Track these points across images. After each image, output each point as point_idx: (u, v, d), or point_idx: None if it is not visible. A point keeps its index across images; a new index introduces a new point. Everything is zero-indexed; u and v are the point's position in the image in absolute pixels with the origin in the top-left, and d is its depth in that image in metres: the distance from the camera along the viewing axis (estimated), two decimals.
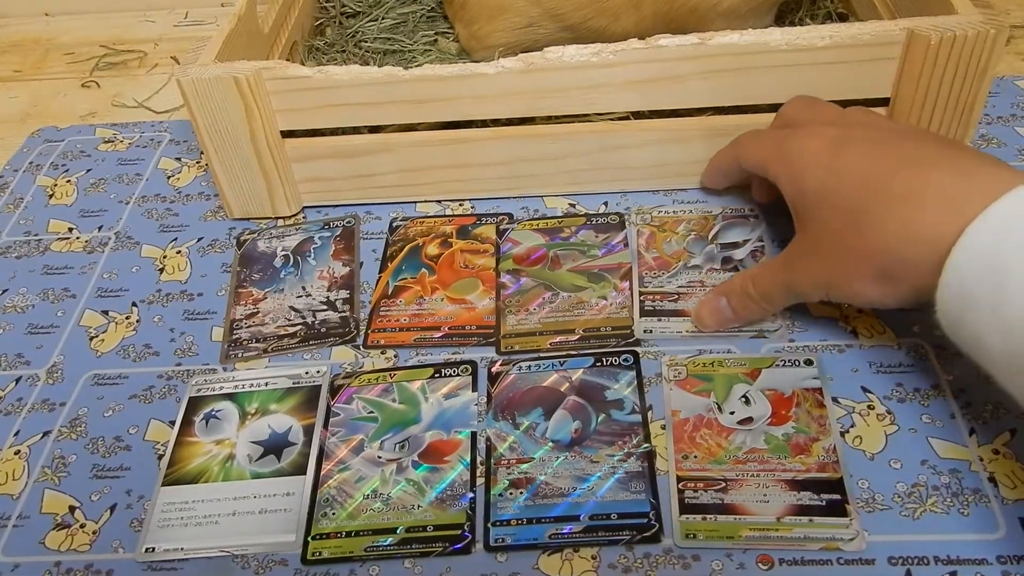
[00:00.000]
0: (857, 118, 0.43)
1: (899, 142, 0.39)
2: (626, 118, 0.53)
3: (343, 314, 0.50)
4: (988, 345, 0.33)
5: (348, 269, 0.53)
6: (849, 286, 0.39)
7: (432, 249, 0.53)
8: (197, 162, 0.63)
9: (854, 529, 0.37)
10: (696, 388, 0.43)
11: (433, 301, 0.50)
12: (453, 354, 0.47)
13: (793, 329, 0.46)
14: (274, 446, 0.44)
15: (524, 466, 0.41)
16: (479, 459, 0.42)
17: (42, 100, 0.74)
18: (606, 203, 0.55)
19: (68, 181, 0.63)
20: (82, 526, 0.41)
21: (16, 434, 0.46)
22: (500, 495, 0.40)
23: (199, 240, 0.56)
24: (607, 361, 0.45)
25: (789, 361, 0.44)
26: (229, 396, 0.46)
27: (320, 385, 0.46)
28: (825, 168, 0.39)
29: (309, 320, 0.50)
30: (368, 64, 0.62)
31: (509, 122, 0.53)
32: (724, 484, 0.39)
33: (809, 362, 0.44)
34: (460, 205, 0.56)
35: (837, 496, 0.38)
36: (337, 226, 0.56)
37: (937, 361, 0.44)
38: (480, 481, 0.41)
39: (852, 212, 0.38)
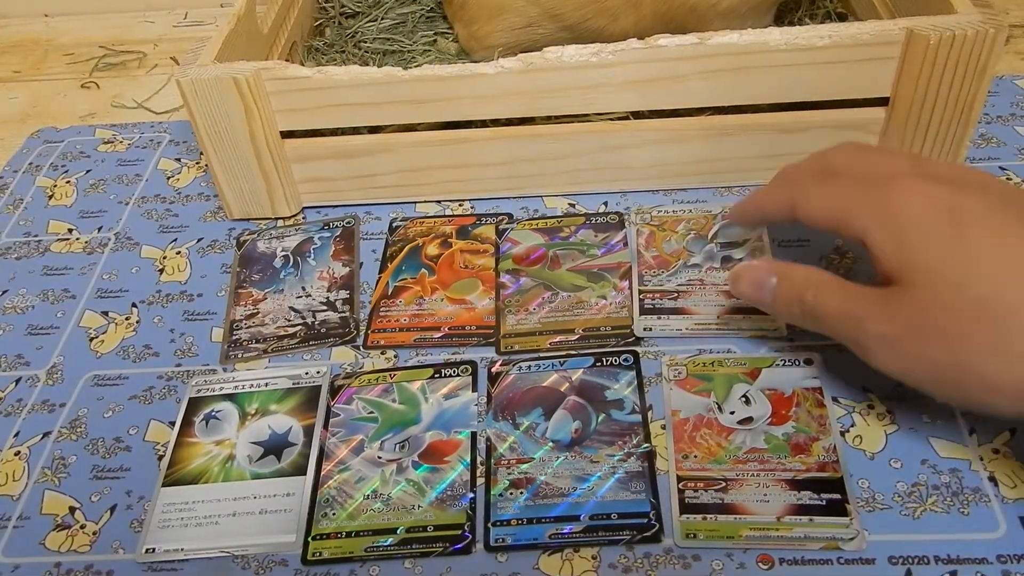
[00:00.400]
0: (952, 173, 0.37)
1: None
2: (626, 118, 0.53)
3: (343, 314, 0.50)
4: None
5: (348, 269, 0.53)
6: (978, 389, 0.34)
7: (432, 249, 0.53)
8: (197, 163, 0.63)
9: (854, 528, 0.37)
10: (696, 388, 0.43)
11: (433, 301, 0.50)
12: (453, 354, 0.47)
13: (793, 329, 0.46)
14: (274, 446, 0.44)
15: (524, 466, 0.41)
16: (479, 459, 0.42)
17: (42, 101, 0.74)
18: (606, 203, 0.55)
19: (68, 182, 0.63)
20: (82, 527, 0.41)
21: (16, 435, 0.46)
22: (500, 495, 0.40)
23: (199, 241, 0.56)
24: (607, 361, 0.45)
25: (789, 361, 0.44)
26: (229, 397, 0.46)
27: (320, 385, 0.46)
28: (946, 243, 0.34)
29: (309, 320, 0.50)
30: (367, 64, 0.62)
31: (509, 122, 0.53)
32: (724, 484, 0.39)
33: (809, 362, 0.44)
34: (460, 205, 0.56)
35: (837, 496, 0.38)
36: (337, 226, 0.56)
37: None
38: (480, 481, 0.41)
39: (990, 306, 0.33)
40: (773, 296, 0.40)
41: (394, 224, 0.55)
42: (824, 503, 0.38)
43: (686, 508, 0.39)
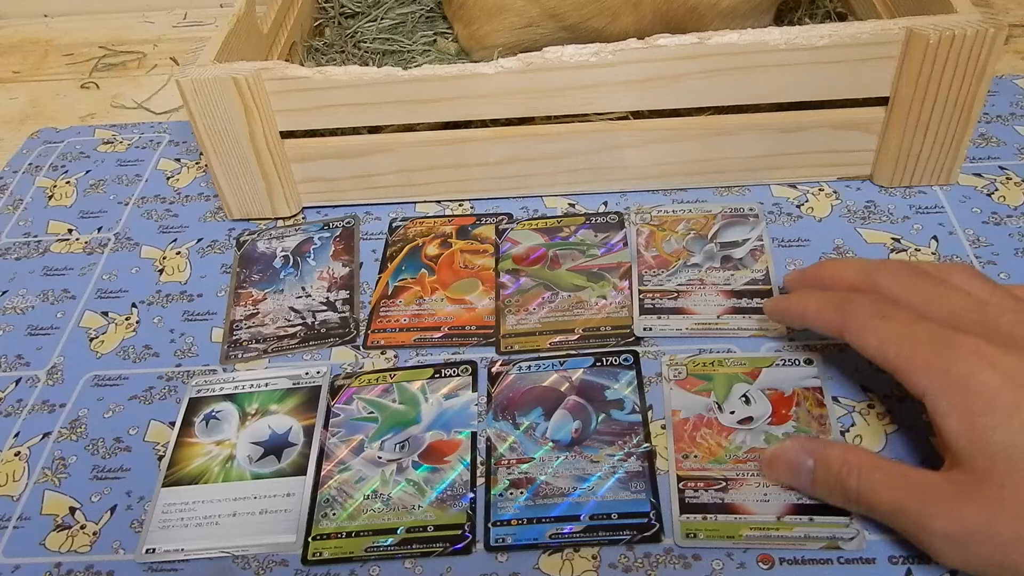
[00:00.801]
0: (1014, 329, 0.34)
1: None
2: (625, 118, 0.53)
3: (343, 315, 0.50)
4: None
5: (348, 270, 0.53)
6: None
7: (432, 249, 0.53)
8: (196, 163, 0.63)
9: (854, 528, 0.37)
10: (696, 388, 0.43)
11: (433, 301, 0.50)
12: (453, 354, 0.47)
13: (793, 329, 0.46)
14: (274, 447, 0.44)
15: (524, 466, 0.41)
16: (479, 459, 0.42)
17: (41, 101, 0.74)
18: (605, 203, 0.55)
19: (67, 182, 0.63)
20: (82, 527, 0.41)
21: (16, 435, 0.46)
22: (500, 495, 0.40)
23: (199, 241, 0.56)
24: (607, 361, 0.45)
25: (789, 360, 0.44)
26: (229, 397, 0.46)
27: (320, 386, 0.46)
28: (1021, 424, 0.32)
29: (309, 321, 0.50)
30: (367, 64, 0.62)
31: (508, 122, 0.53)
32: (724, 483, 0.39)
33: (809, 361, 0.44)
34: (460, 205, 0.56)
35: None
36: (337, 226, 0.56)
37: None
38: (480, 481, 0.41)
39: None
40: (811, 481, 0.37)
41: (394, 224, 0.55)
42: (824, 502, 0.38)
43: (686, 508, 0.39)
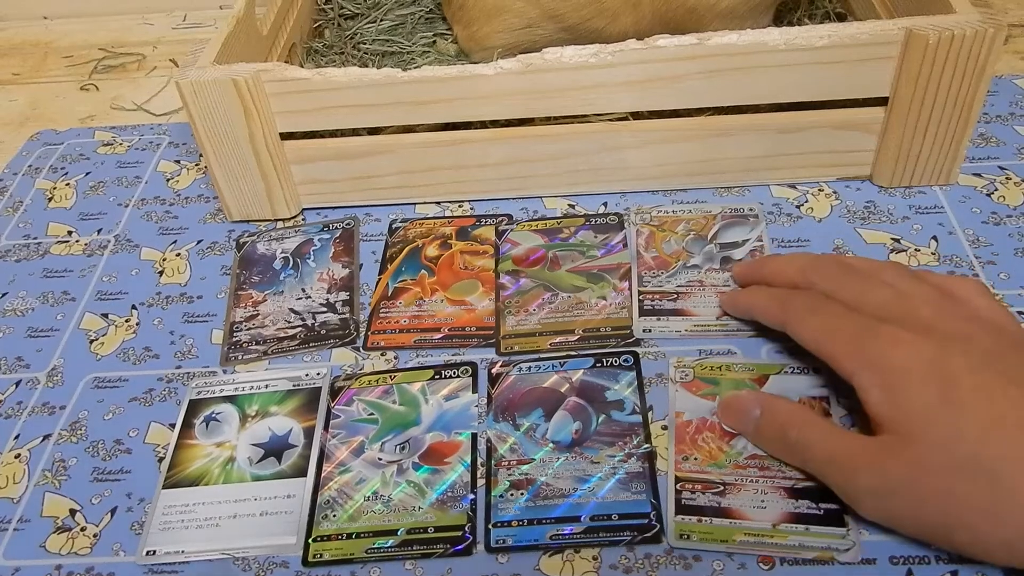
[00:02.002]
0: (936, 319, 0.38)
1: (1011, 379, 0.35)
2: (625, 118, 0.53)
3: (343, 316, 0.50)
4: None
5: (348, 271, 0.53)
6: (967, 543, 0.34)
7: (432, 250, 0.53)
8: (196, 164, 0.63)
9: (850, 540, 0.37)
10: (702, 391, 0.43)
11: (433, 302, 0.50)
12: (453, 355, 0.47)
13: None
14: (275, 448, 0.44)
15: (525, 467, 0.41)
16: (480, 460, 0.42)
17: (41, 103, 0.74)
18: (605, 203, 0.55)
19: (67, 184, 0.63)
20: (83, 529, 0.41)
21: (16, 437, 0.46)
22: (501, 496, 0.40)
23: (198, 242, 0.56)
24: (607, 362, 0.45)
25: (797, 368, 0.44)
26: (229, 398, 0.46)
27: (320, 387, 0.46)
28: (935, 401, 0.35)
29: (309, 322, 0.50)
30: (367, 66, 0.62)
31: (508, 123, 0.53)
32: (722, 487, 0.39)
33: (816, 370, 0.44)
34: (459, 206, 0.56)
35: (835, 505, 0.38)
36: (336, 228, 0.56)
37: None
38: (481, 482, 0.41)
39: (978, 465, 0.33)
40: (756, 428, 0.40)
41: (394, 225, 0.55)
42: (822, 512, 0.38)
43: (682, 509, 0.39)
